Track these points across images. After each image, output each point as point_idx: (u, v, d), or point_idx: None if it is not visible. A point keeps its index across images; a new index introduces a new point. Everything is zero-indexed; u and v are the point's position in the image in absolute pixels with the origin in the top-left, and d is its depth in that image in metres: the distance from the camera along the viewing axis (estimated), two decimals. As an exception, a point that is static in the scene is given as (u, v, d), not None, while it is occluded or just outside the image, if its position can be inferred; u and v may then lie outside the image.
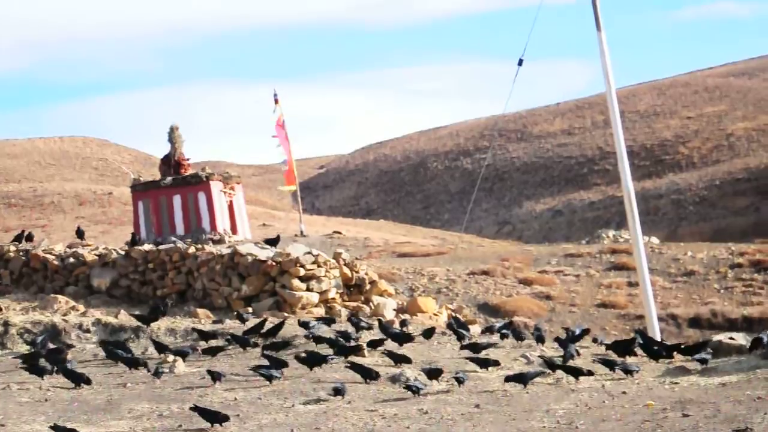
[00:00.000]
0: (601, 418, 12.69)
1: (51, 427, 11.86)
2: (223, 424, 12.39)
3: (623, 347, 16.80)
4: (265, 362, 15.77)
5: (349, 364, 15.39)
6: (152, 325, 19.18)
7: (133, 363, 16.19)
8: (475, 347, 16.86)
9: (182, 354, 16.83)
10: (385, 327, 18.21)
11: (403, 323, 19.74)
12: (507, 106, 33.64)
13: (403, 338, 17.52)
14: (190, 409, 12.71)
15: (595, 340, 19.32)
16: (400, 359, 16.21)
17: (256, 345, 17.52)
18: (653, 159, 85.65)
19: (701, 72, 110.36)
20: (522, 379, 14.70)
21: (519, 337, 18.11)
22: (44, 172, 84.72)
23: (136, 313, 19.51)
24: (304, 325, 18.43)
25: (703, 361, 15.46)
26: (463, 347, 17.08)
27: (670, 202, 75.00)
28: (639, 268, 20.73)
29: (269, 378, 15.01)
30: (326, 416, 13.22)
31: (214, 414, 12.50)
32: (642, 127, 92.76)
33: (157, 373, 15.30)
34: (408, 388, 14.25)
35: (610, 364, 15.45)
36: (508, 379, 14.73)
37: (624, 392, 14.22)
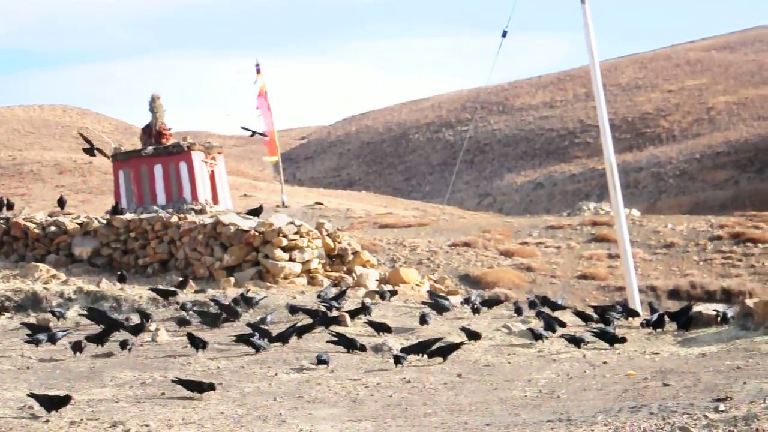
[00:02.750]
0: (582, 387, 12.79)
1: (29, 395, 11.84)
2: (208, 392, 12.39)
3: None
4: (249, 331, 15.78)
5: (334, 335, 15.36)
6: (129, 292, 19.19)
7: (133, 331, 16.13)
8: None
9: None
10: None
11: (393, 293, 19.76)
12: (489, 79, 33.60)
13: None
14: (173, 381, 12.69)
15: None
16: (381, 328, 16.26)
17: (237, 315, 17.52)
18: (634, 132, 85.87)
19: (683, 45, 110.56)
20: (576, 341, 15.15)
21: (476, 311, 18.19)
22: (23, 140, 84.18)
23: (159, 287, 19.42)
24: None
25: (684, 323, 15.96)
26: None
27: (651, 175, 75.27)
28: (620, 240, 20.83)
29: (257, 348, 15.02)
30: (309, 385, 13.26)
31: (197, 384, 12.50)
32: (623, 100, 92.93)
33: (124, 345, 15.16)
34: (396, 359, 14.23)
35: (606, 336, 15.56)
36: (565, 337, 15.43)
37: (605, 362, 14.33)
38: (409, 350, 14.55)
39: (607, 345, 15.35)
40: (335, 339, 15.21)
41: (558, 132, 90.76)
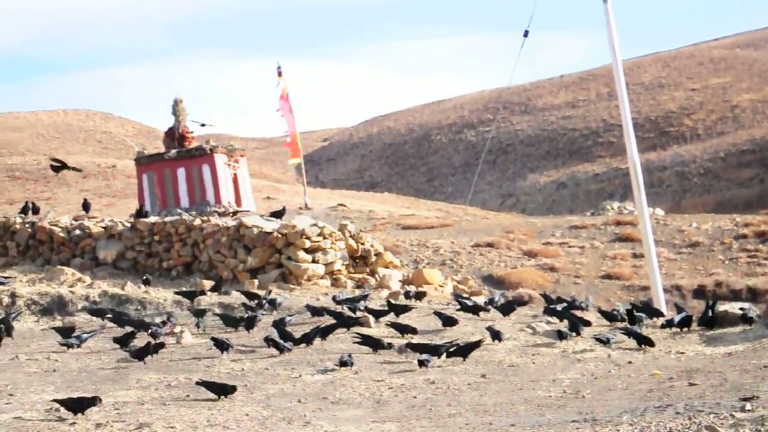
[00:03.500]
0: (607, 387, 12.74)
1: (52, 400, 11.93)
2: (230, 395, 12.42)
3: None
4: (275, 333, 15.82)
5: (359, 337, 15.32)
6: (154, 294, 19.28)
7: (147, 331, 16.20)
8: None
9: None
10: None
11: (421, 294, 19.72)
12: (512, 79, 33.55)
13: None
14: (196, 383, 12.72)
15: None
16: (406, 330, 16.24)
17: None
18: (658, 131, 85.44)
19: (706, 44, 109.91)
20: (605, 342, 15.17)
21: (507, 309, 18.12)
22: (48, 144, 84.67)
23: (183, 290, 19.52)
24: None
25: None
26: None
27: (675, 174, 74.86)
28: (645, 239, 20.75)
29: (281, 349, 15.05)
30: (333, 386, 13.27)
31: (220, 386, 12.53)
32: (646, 99, 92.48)
33: (134, 353, 15.04)
34: (420, 363, 14.20)
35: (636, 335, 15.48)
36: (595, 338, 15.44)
37: (630, 362, 14.27)
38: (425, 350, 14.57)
39: (634, 344, 15.28)
40: (359, 340, 15.20)
41: (581, 132, 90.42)
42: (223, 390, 12.46)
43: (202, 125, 24.50)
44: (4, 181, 58.63)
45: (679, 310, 17.68)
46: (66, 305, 19.14)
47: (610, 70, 21.73)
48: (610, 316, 17.44)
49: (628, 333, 15.52)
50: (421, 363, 14.11)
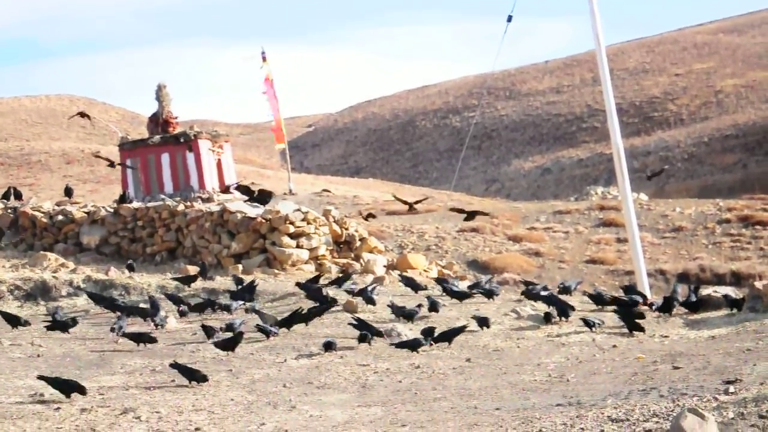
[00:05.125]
0: (591, 371, 12.78)
1: (38, 377, 11.91)
2: (201, 383, 12.35)
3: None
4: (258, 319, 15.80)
5: (355, 320, 15.22)
6: (138, 280, 19.23)
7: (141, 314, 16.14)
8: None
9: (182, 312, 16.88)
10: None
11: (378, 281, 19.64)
12: (496, 64, 33.53)
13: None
14: (170, 366, 12.67)
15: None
16: (399, 312, 16.24)
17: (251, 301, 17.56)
18: (642, 116, 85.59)
19: (690, 29, 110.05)
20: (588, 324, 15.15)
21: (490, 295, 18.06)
22: (31, 130, 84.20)
23: (178, 275, 19.46)
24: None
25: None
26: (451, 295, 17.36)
27: (659, 159, 75.02)
28: (628, 224, 20.78)
29: (267, 333, 15.03)
30: (318, 371, 13.27)
31: (191, 372, 12.45)
32: (631, 84, 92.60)
33: (114, 329, 15.18)
34: (407, 346, 14.18)
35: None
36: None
37: (614, 345, 14.32)
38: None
39: (618, 329, 15.29)
40: (355, 324, 15.06)
41: (565, 117, 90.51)
42: (192, 375, 12.37)
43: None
44: (-13, 167, 58.27)
45: (673, 292, 17.51)
46: (50, 290, 19.09)
47: (594, 55, 21.68)
48: (597, 299, 17.40)
49: (624, 317, 15.43)
50: (414, 347, 14.11)
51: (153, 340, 14.63)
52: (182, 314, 16.77)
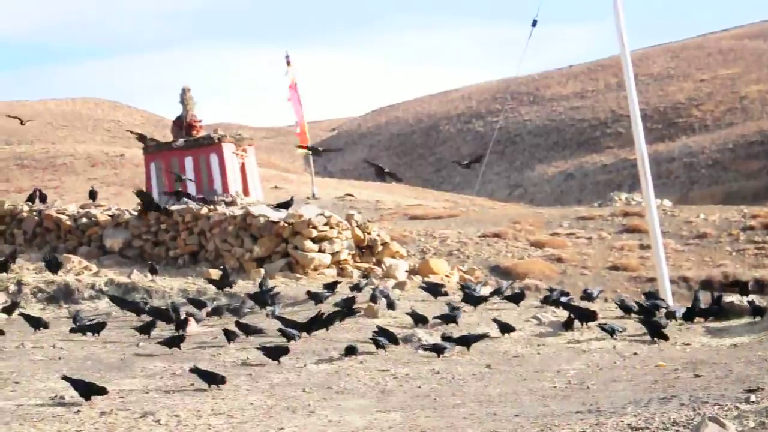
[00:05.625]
0: (612, 378, 12.72)
1: (62, 378, 12.00)
2: (220, 385, 12.40)
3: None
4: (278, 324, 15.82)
5: (377, 329, 15.18)
6: (160, 283, 19.31)
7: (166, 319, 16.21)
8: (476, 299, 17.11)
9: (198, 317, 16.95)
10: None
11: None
12: (520, 69, 33.47)
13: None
14: (190, 371, 12.73)
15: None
16: (419, 319, 16.24)
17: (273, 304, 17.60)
18: (666, 122, 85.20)
19: (715, 34, 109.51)
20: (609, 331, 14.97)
21: (518, 299, 17.96)
22: (56, 133, 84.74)
23: (211, 277, 19.54)
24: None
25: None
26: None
27: (683, 165, 74.68)
28: (651, 230, 20.71)
29: (289, 337, 15.05)
30: (338, 376, 13.27)
31: (211, 375, 12.52)
32: (655, 89, 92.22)
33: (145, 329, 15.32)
34: (435, 350, 14.20)
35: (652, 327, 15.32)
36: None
37: (635, 353, 14.25)
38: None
39: (639, 336, 15.22)
40: (376, 331, 15.02)
41: (589, 122, 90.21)
42: (212, 379, 12.45)
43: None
44: (13, 170, 58.70)
45: (695, 300, 17.30)
46: (72, 293, 19.20)
47: (618, 60, 21.63)
48: (624, 307, 17.24)
49: (647, 324, 15.34)
50: (440, 351, 14.12)
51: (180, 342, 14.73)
52: (198, 320, 16.72)
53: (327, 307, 17.11)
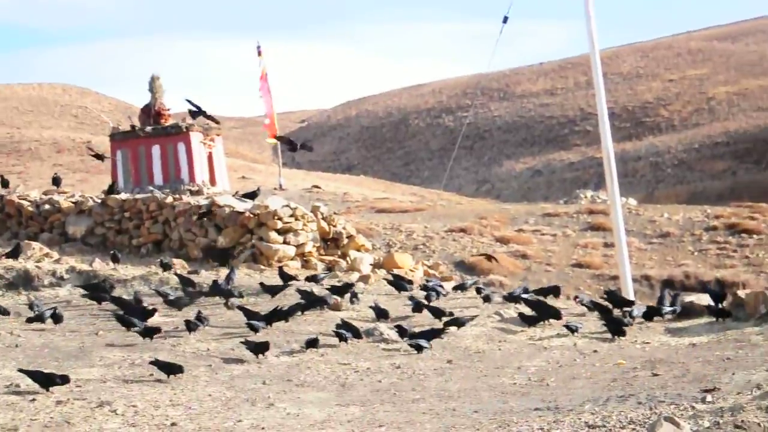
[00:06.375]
0: (571, 375, 12.77)
1: (19, 371, 11.87)
2: (178, 375, 12.34)
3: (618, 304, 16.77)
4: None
5: (340, 322, 15.07)
6: (122, 272, 19.19)
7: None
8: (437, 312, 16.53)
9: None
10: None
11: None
12: (490, 65, 33.51)
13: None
14: (150, 363, 12.66)
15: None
16: (381, 313, 16.20)
17: (241, 295, 17.51)
18: (634, 121, 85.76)
19: (684, 35, 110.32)
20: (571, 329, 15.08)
21: (487, 298, 17.88)
22: (22, 118, 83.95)
23: (183, 274, 19.25)
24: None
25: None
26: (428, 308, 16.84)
27: (649, 164, 75.21)
28: (615, 229, 20.80)
29: (255, 329, 14.99)
30: (299, 368, 13.24)
31: (170, 366, 12.46)
32: (624, 88, 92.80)
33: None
34: (412, 345, 14.16)
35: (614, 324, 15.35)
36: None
37: (595, 350, 14.31)
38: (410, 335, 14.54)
39: (600, 333, 15.29)
40: (340, 324, 14.96)
41: (558, 120, 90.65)
42: (170, 370, 12.39)
43: (197, 111, 24.21)
44: (-23, 154, 58.10)
45: (661, 299, 17.22)
46: (32, 280, 19.02)
47: (588, 59, 21.69)
48: (600, 307, 17.00)
49: (607, 320, 15.38)
50: (419, 348, 14.05)
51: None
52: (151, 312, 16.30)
53: (289, 300, 17.07)
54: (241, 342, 13.90)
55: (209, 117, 24.99)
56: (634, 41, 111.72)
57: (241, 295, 17.62)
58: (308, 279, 18.86)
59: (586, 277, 30.33)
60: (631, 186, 68.20)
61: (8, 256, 20.01)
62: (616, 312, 16.34)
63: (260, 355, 13.61)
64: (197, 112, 24.42)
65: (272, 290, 17.81)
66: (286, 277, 18.59)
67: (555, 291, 18.80)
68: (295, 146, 23.29)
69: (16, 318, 16.14)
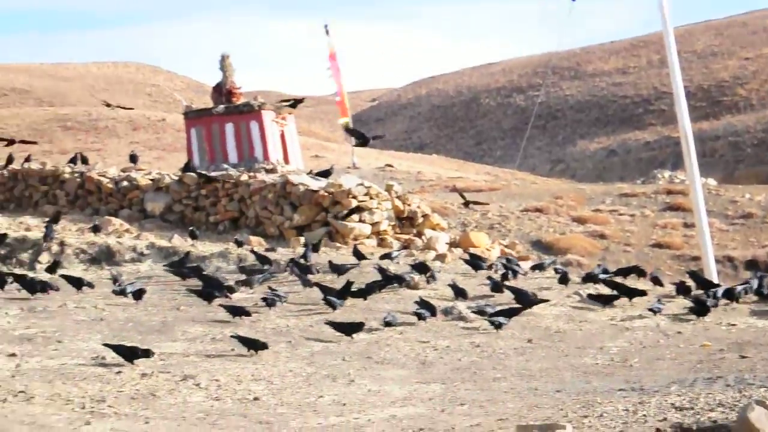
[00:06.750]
0: (655, 356, 12.57)
1: (104, 345, 12.04)
2: (260, 352, 12.37)
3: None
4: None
5: (418, 300, 15.04)
6: (200, 248, 19.37)
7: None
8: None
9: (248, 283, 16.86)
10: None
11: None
12: (561, 44, 33.13)
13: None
14: (231, 336, 12.74)
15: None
16: (459, 292, 16.10)
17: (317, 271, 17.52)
18: (710, 100, 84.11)
19: (760, 11, 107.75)
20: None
21: (565, 279, 17.53)
22: (98, 96, 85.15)
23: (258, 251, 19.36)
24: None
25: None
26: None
27: (728, 144, 73.75)
28: (696, 209, 20.42)
29: (333, 306, 15.01)
30: (378, 346, 13.22)
31: (252, 342, 12.50)
32: (699, 67, 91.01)
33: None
34: (491, 323, 14.05)
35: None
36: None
37: (679, 332, 14.07)
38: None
39: (683, 314, 15.01)
40: (419, 302, 14.90)
41: (632, 99, 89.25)
42: (253, 345, 12.44)
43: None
44: (57, 131, 59.07)
45: (762, 278, 16.68)
46: (113, 255, 19.30)
47: (661, 36, 21.24)
48: (682, 288, 16.68)
49: (696, 301, 15.09)
50: (498, 325, 13.94)
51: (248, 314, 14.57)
52: (231, 290, 16.38)
53: (366, 279, 17.04)
54: (327, 323, 13.79)
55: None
56: (708, 19, 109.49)
57: (317, 272, 17.63)
58: (382, 257, 18.80)
59: (666, 258, 29.84)
60: (710, 166, 66.94)
61: (92, 230, 20.37)
62: (700, 293, 16.03)
63: (351, 337, 13.46)
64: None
65: (338, 269, 17.65)
66: (360, 256, 18.56)
67: (638, 271, 18.47)
68: (366, 141, 23.10)
69: (101, 292, 16.37)
